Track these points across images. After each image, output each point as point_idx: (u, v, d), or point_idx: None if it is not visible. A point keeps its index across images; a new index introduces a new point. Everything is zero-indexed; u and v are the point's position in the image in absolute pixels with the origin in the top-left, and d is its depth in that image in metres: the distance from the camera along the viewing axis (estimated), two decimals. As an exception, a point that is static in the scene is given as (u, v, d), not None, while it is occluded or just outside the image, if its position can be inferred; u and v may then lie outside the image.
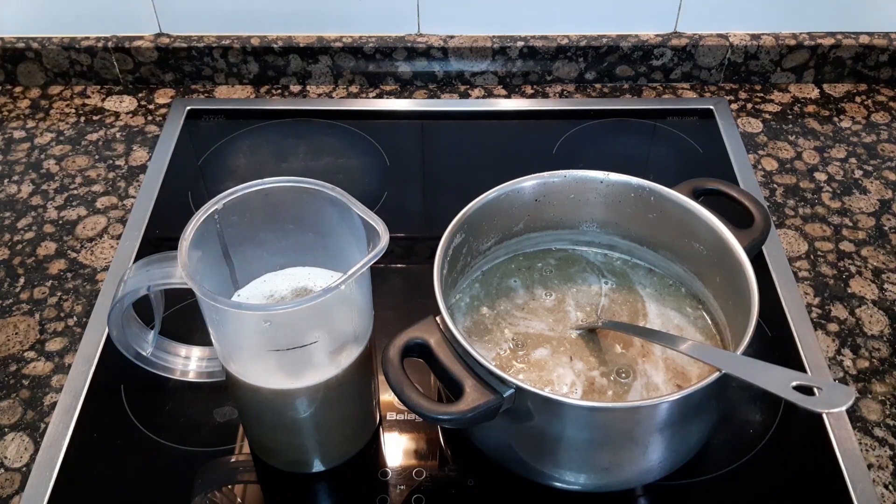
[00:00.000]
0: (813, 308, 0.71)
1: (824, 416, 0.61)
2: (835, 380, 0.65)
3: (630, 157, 0.89)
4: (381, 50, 0.96)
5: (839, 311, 0.71)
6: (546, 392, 0.50)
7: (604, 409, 0.52)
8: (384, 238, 0.47)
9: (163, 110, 0.95)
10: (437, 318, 0.53)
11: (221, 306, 0.45)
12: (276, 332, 0.48)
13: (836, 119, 0.92)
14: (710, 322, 0.62)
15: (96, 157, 0.88)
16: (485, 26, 0.96)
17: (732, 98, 0.96)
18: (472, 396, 0.49)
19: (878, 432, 0.61)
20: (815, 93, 0.97)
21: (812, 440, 0.61)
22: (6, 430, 0.62)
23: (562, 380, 0.58)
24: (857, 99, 0.95)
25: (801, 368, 0.65)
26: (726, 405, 0.62)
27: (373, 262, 0.46)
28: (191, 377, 0.57)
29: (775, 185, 0.84)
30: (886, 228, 0.78)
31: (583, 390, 0.58)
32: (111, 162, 0.88)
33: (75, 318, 0.71)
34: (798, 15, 0.95)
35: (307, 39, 0.96)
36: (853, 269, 0.74)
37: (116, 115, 0.94)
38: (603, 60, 0.96)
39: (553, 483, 0.55)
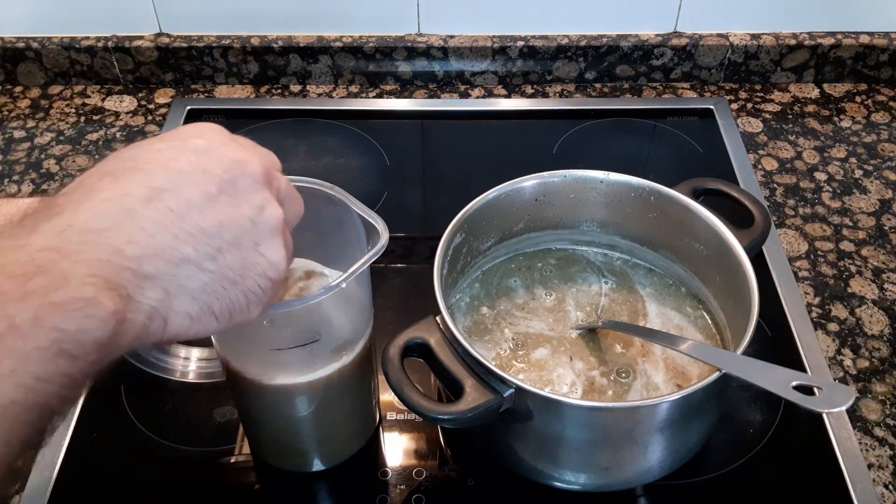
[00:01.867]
0: (813, 308, 0.71)
1: (824, 416, 0.61)
2: (835, 380, 0.65)
3: (630, 157, 0.89)
4: (381, 50, 0.96)
5: (839, 310, 0.71)
6: (546, 392, 0.50)
7: (604, 409, 0.52)
8: (384, 236, 0.47)
9: (163, 110, 0.95)
10: (437, 318, 0.53)
11: None
12: (276, 331, 0.48)
13: (836, 119, 0.92)
14: (710, 322, 0.62)
15: (96, 156, 0.88)
16: (485, 26, 0.96)
17: (732, 98, 0.96)
18: (472, 396, 0.49)
19: (878, 432, 0.61)
20: (815, 93, 0.97)
21: (812, 440, 0.61)
22: (6, 429, 0.62)
23: (562, 380, 0.58)
24: (857, 99, 0.95)
25: (801, 368, 0.65)
26: (726, 405, 0.62)
27: (373, 261, 0.46)
28: (190, 378, 0.57)
29: (775, 185, 0.84)
30: (886, 228, 0.78)
31: (583, 390, 0.58)
32: (111, 162, 0.87)
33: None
34: (798, 15, 0.95)
35: (307, 39, 0.96)
36: (853, 268, 0.74)
37: (116, 114, 0.94)
38: (603, 60, 0.96)
39: (553, 483, 0.55)
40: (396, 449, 0.60)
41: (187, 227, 0.34)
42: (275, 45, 0.95)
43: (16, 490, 0.58)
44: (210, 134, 0.37)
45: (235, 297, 0.36)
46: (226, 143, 0.37)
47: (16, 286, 0.29)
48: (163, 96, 0.97)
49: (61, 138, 0.91)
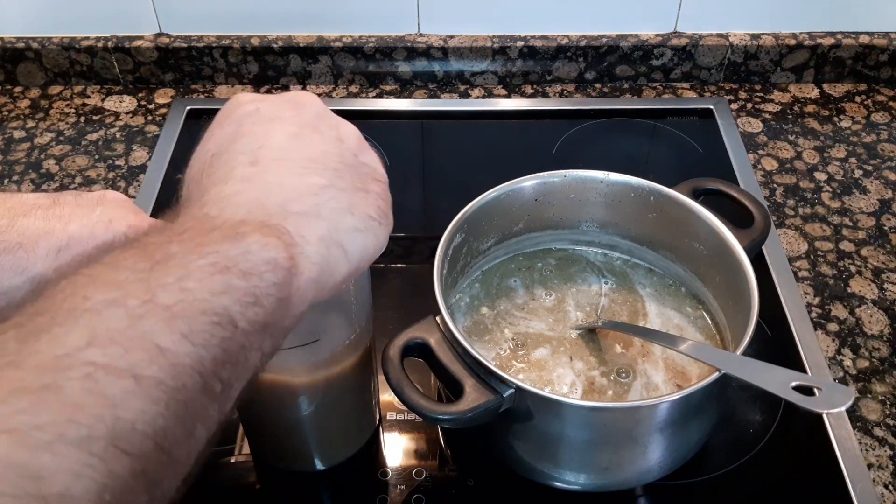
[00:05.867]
0: (813, 308, 0.71)
1: (824, 416, 0.61)
2: (835, 380, 0.65)
3: (630, 157, 0.89)
4: (381, 50, 0.96)
5: (839, 310, 0.71)
6: (546, 392, 0.50)
7: (604, 409, 0.52)
8: (384, 237, 0.47)
9: (163, 110, 0.95)
10: (437, 318, 0.53)
11: None
12: (276, 331, 0.48)
13: (836, 119, 0.92)
14: (710, 322, 0.62)
15: (96, 157, 0.88)
16: (485, 26, 0.96)
17: (732, 98, 0.96)
18: (472, 396, 0.49)
19: (878, 432, 0.61)
20: (815, 93, 0.97)
21: (812, 440, 0.61)
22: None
23: (562, 380, 0.58)
24: (857, 99, 0.95)
25: (801, 368, 0.65)
26: (726, 405, 0.62)
27: (373, 261, 0.46)
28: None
29: (775, 185, 0.84)
30: (886, 228, 0.78)
31: (583, 390, 0.58)
32: (111, 162, 0.88)
33: (75, 318, 0.70)
34: (798, 15, 0.95)
35: (307, 39, 0.96)
36: (853, 268, 0.74)
37: (116, 115, 0.94)
38: (603, 60, 0.96)
39: (553, 483, 0.55)
40: (396, 449, 0.60)
41: (300, 164, 0.35)
42: (275, 45, 0.95)
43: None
44: (246, 99, 0.38)
45: (378, 202, 0.37)
46: (264, 97, 0.38)
47: (167, 239, 0.29)
48: (163, 96, 0.97)
49: (61, 138, 0.91)
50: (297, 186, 0.34)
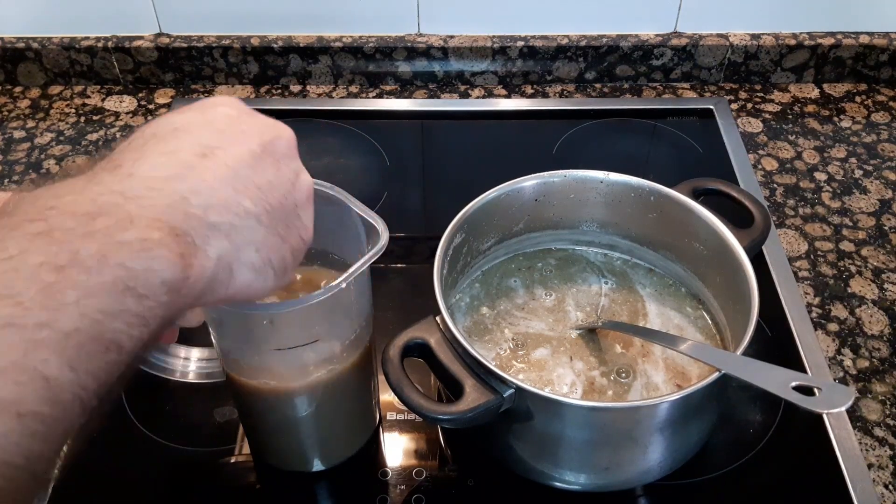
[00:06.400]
0: (813, 308, 0.71)
1: (824, 416, 0.61)
2: (835, 380, 0.65)
3: (630, 157, 0.89)
4: (381, 50, 0.96)
5: (839, 310, 0.71)
6: (546, 392, 0.50)
7: (604, 409, 0.52)
8: (384, 236, 0.47)
9: (163, 110, 0.95)
10: (437, 318, 0.53)
11: (222, 306, 0.45)
12: (276, 331, 0.48)
13: (836, 119, 0.92)
14: (710, 322, 0.62)
15: (96, 157, 0.88)
16: (485, 26, 0.96)
17: (732, 98, 0.96)
18: (472, 396, 0.49)
19: (878, 432, 0.61)
20: (815, 93, 0.97)
21: (812, 440, 0.61)
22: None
23: (562, 380, 0.58)
24: (857, 99, 0.95)
25: (801, 368, 0.65)
26: (726, 405, 0.62)
27: (373, 261, 0.46)
28: (190, 378, 0.57)
29: (775, 185, 0.84)
30: (886, 228, 0.78)
31: (583, 390, 0.58)
32: (111, 162, 0.88)
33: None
34: (798, 15, 0.95)
35: (307, 39, 0.96)
36: (853, 268, 0.74)
37: (116, 115, 0.94)
38: (603, 60, 0.96)
39: (553, 483, 0.55)
40: (396, 449, 0.60)
41: (244, 182, 0.35)
42: (275, 45, 0.95)
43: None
44: (234, 103, 0.39)
45: (285, 253, 0.37)
46: (250, 111, 0.39)
47: (80, 224, 0.29)
48: (163, 96, 0.97)
49: (61, 138, 0.91)
50: (227, 199, 0.34)
